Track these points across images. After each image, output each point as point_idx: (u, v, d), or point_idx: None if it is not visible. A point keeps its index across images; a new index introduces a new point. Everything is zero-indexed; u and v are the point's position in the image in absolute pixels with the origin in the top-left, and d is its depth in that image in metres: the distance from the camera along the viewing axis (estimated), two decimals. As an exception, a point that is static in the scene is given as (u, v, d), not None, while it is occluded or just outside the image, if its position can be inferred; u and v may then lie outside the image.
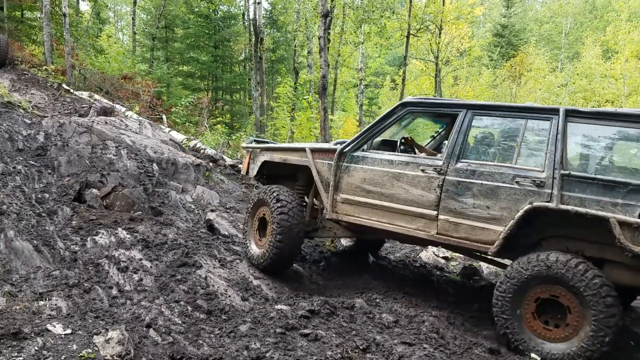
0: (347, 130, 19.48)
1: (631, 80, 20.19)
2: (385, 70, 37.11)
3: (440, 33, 16.52)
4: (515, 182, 4.42)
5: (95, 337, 3.67)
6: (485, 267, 6.91)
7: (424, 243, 5.75)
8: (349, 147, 5.33)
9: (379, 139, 5.50)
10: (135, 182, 7.24)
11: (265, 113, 20.22)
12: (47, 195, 6.31)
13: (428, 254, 7.21)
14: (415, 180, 4.89)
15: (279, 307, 4.82)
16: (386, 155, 5.14)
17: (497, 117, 4.86)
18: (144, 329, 4.06)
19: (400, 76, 27.28)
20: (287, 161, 5.80)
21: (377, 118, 5.37)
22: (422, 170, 4.85)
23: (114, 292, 4.64)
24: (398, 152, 5.38)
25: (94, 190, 6.64)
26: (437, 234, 4.78)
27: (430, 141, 6.31)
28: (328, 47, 10.25)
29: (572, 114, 4.42)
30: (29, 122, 8.34)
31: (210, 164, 10.23)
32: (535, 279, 4.23)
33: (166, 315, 4.40)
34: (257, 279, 5.49)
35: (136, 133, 9.38)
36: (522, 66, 25.27)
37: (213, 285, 5.01)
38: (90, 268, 4.93)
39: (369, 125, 5.34)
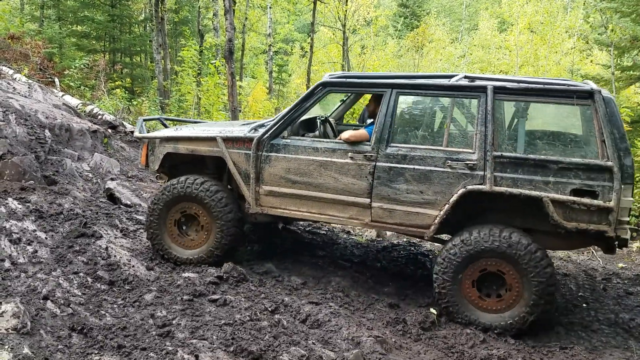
0: (256, 97, 19.24)
1: (523, 52, 21.62)
2: (295, 37, 36.82)
3: (347, 1, 16.63)
4: (447, 165, 4.38)
5: (-15, 312, 3.44)
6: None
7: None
8: (267, 135, 4.88)
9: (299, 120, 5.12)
10: (26, 150, 6.72)
11: (169, 78, 19.37)
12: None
13: (335, 218, 7.43)
14: (344, 168, 4.68)
15: (186, 274, 4.77)
16: (310, 142, 4.83)
17: (423, 97, 4.73)
18: (41, 301, 3.87)
19: (309, 43, 27.24)
20: (196, 152, 5.20)
21: (296, 100, 5.02)
22: (351, 158, 4.65)
23: (7, 264, 4.34)
24: (320, 133, 5.19)
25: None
26: (372, 221, 4.69)
27: (337, 107, 6.23)
28: (234, 10, 9.96)
29: (501, 91, 4.35)
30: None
31: (109, 130, 9.70)
32: (475, 255, 4.30)
33: (64, 287, 4.21)
34: (163, 247, 5.36)
35: (25, 97, 8.64)
36: (424, 37, 26.18)
37: (115, 256, 4.85)
38: (-24, 241, 4.56)
39: (288, 108, 4.98)
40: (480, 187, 4.25)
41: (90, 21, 18.80)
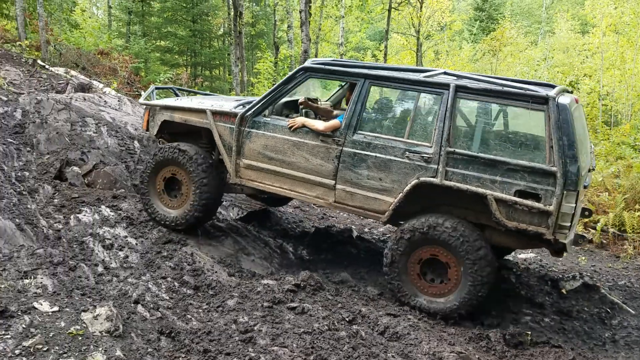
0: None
1: (608, 54, 20.38)
2: (366, 45, 36.85)
3: (421, 7, 16.42)
4: (406, 156, 4.57)
5: (83, 313, 3.68)
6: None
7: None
8: (250, 112, 5.20)
9: (281, 101, 5.42)
10: (116, 160, 7.15)
11: (246, 89, 20.02)
12: (27, 174, 6.21)
13: (411, 228, 7.31)
14: (315, 150, 4.94)
15: (265, 282, 4.87)
16: (287, 122, 5.09)
17: (393, 89, 4.92)
18: (132, 305, 4.08)
19: (381, 51, 27.14)
20: (188, 122, 5.59)
21: (278, 82, 5.30)
22: (322, 140, 4.90)
23: (100, 269, 4.63)
24: (301, 115, 5.32)
25: (75, 168, 6.55)
26: (335, 202, 4.95)
27: (336, 92, 6.29)
28: (309, 21, 10.13)
29: (462, 90, 4.47)
30: (5, 99, 8.13)
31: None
32: (419, 241, 4.55)
33: (153, 291, 4.42)
34: (242, 255, 5.52)
35: (116, 110, 9.21)
36: (502, 40, 25.32)
37: (199, 262, 5.03)
38: (74, 246, 4.90)
39: (270, 89, 5.29)
40: (432, 179, 4.45)
41: (173, 36, 19.79)
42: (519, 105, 4.34)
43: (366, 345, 3.81)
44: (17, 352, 3.15)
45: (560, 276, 5.89)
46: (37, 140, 6.96)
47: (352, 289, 5.01)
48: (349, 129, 4.81)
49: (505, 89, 4.41)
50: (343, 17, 18.90)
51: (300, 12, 10.15)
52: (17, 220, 4.97)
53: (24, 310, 3.61)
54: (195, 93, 7.20)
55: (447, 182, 4.41)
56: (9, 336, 3.31)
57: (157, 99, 6.43)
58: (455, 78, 4.80)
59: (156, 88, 6.36)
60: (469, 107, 4.62)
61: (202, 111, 5.46)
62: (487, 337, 4.23)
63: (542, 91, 4.28)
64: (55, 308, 3.74)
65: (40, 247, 4.75)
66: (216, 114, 5.37)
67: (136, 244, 5.15)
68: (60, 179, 6.36)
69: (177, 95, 6.58)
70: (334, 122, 4.92)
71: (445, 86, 4.51)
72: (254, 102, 5.27)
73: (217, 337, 3.78)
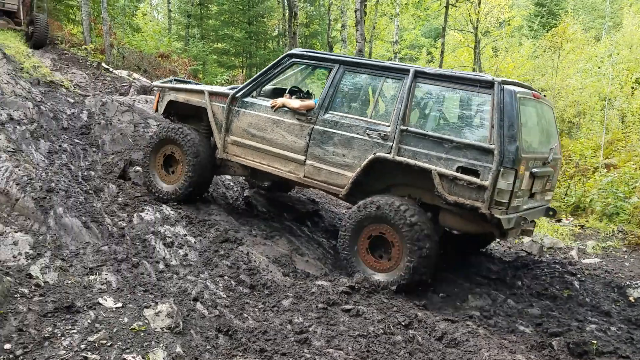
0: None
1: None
2: (421, 43, 36.28)
3: (479, 2, 15.99)
4: (367, 134, 4.96)
5: (145, 310, 3.79)
6: (528, 244, 6.80)
7: (295, 184, 6.18)
8: (240, 93, 5.73)
9: (270, 87, 5.92)
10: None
11: (300, 89, 20.13)
12: (92, 173, 6.49)
13: (468, 231, 7.13)
14: (291, 128, 5.39)
15: (319, 282, 4.87)
16: (270, 102, 5.56)
17: (363, 74, 5.28)
18: (191, 302, 4.17)
19: (437, 48, 26.64)
20: (189, 102, 6.13)
21: (266, 67, 5.82)
22: (297, 119, 5.35)
23: (161, 266, 4.77)
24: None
25: (138, 168, 6.79)
26: (304, 177, 5.36)
27: None
28: (364, 20, 10.07)
29: (420, 75, 4.88)
30: (72, 101, 8.54)
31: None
32: (367, 219, 4.88)
33: (211, 289, 4.50)
34: (296, 255, 5.54)
35: (175, 111, 9.48)
36: (564, 36, 24.27)
37: (255, 261, 5.09)
38: (137, 243, 5.07)
39: (259, 73, 5.82)
40: (386, 155, 4.81)
41: (229, 38, 20.18)
42: (469, 90, 4.70)
43: (423, 351, 3.74)
44: (82, 346, 3.28)
45: (628, 283, 5.60)
46: (102, 140, 7.26)
47: (407, 292, 4.93)
48: (321, 109, 5.26)
49: (457, 74, 4.81)
50: (398, 15, 18.69)
51: (355, 11, 10.10)
52: (83, 218, 5.19)
53: (89, 306, 3.76)
54: (190, 83, 7.61)
55: (398, 158, 4.76)
56: (75, 331, 3.45)
57: None
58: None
59: (175, 79, 6.94)
60: (425, 90, 4.96)
61: (201, 92, 6.04)
62: (550, 346, 4.05)
63: (490, 77, 4.60)
64: (119, 304, 3.87)
65: (105, 244, 4.95)
66: (212, 94, 5.94)
67: (195, 242, 5.27)
68: (124, 178, 6.61)
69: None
70: (308, 102, 5.41)
71: (406, 71, 4.93)
72: (245, 84, 5.83)
73: (273, 336, 3.81)
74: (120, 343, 3.37)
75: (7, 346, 3.19)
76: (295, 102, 5.41)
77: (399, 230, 4.69)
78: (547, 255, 6.58)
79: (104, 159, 6.95)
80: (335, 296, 4.52)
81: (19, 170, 5.44)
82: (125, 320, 3.66)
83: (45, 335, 3.35)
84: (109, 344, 3.34)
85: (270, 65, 5.77)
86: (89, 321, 3.58)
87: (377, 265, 4.93)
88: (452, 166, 4.54)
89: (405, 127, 4.77)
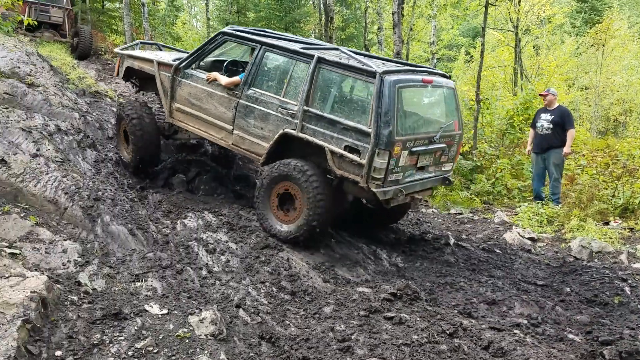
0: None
1: None
2: (459, 42, 35.76)
3: (519, 1, 15.61)
4: (279, 111, 5.57)
5: (190, 317, 3.85)
6: (577, 247, 6.57)
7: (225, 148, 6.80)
8: (182, 64, 6.35)
9: (211, 59, 6.53)
10: (217, 167, 7.47)
11: (337, 92, 20.13)
12: (137, 181, 6.65)
13: (512, 235, 6.95)
14: (221, 100, 6.02)
15: (360, 289, 4.83)
16: (206, 76, 6.14)
17: (280, 56, 5.80)
18: (234, 309, 4.21)
19: (476, 48, 26.18)
20: (142, 69, 6.89)
21: (203, 42, 6.48)
22: (227, 93, 5.96)
23: (204, 272, 4.83)
24: (223, 72, 6.26)
25: (180, 175, 6.92)
26: (232, 144, 6.04)
27: None
28: (401, 23, 9.99)
29: (322, 61, 5.36)
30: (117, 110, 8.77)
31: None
32: (276, 178, 5.52)
33: (253, 295, 4.54)
34: (335, 260, 5.52)
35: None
36: (608, 33, 23.44)
37: (295, 267, 5.10)
38: (181, 250, 5.16)
39: (197, 47, 6.44)
40: (292, 131, 5.44)
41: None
42: (358, 78, 5.26)
43: (468, 361, 3.65)
44: (130, 353, 3.36)
45: (686, 290, 5.33)
46: (145, 149, 7.41)
47: (450, 299, 4.84)
48: (245, 85, 5.84)
49: (350, 62, 5.27)
50: (435, 16, 18.48)
51: (393, 14, 10.03)
52: (129, 225, 5.33)
53: (136, 313, 3.84)
54: (179, 51, 8.18)
55: (300, 134, 5.39)
56: (122, 337, 3.53)
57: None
58: (347, 57, 5.57)
59: (141, 42, 7.80)
60: (326, 76, 5.41)
61: (151, 61, 6.71)
62: (601, 355, 3.89)
63: (376, 68, 5.06)
64: (165, 311, 3.95)
65: (150, 251, 5.06)
66: (160, 64, 6.59)
67: (236, 248, 5.32)
68: (167, 186, 6.75)
69: (160, 50, 7.92)
70: (235, 79, 5.97)
71: (311, 57, 5.42)
72: (186, 56, 6.45)
73: (315, 344, 3.80)
74: (166, 350, 3.43)
75: (58, 353, 3.29)
76: (224, 79, 6.00)
77: (300, 184, 5.34)
78: (596, 260, 6.34)
79: (147, 167, 7.10)
80: (377, 303, 4.48)
81: (67, 179, 5.63)
82: (171, 327, 3.72)
83: (94, 342, 3.44)
84: (155, 351, 3.40)
85: (206, 41, 6.42)
86: (136, 328, 3.66)
87: (285, 218, 5.56)
88: (340, 145, 5.18)
89: (307, 108, 5.35)
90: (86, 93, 9.32)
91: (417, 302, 4.63)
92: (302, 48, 5.65)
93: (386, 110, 4.98)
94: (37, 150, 6.01)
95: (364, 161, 5.02)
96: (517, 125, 11.65)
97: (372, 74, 5.05)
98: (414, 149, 5.33)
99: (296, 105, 5.43)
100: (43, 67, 8.66)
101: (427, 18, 19.83)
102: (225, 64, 6.47)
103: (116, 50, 7.54)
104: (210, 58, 6.50)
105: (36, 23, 12.35)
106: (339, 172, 5.24)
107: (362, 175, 5.07)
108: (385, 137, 4.97)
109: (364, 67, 5.16)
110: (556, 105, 8.82)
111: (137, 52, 7.25)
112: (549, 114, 8.65)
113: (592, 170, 9.36)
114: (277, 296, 4.61)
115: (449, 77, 6.19)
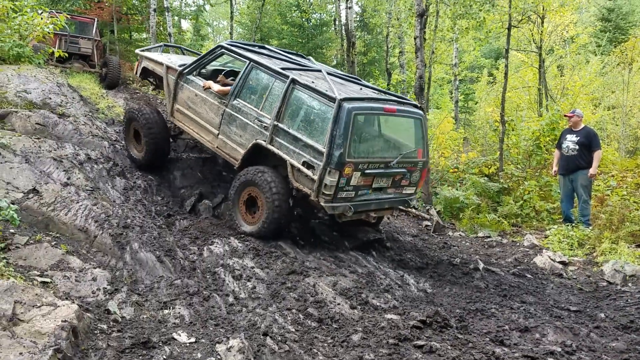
0: (442, 129, 18.98)
1: None
2: (481, 63, 35.65)
3: (542, 22, 15.53)
4: (256, 122, 6.15)
5: (217, 345, 3.83)
6: (610, 271, 6.38)
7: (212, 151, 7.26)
8: (185, 70, 7.01)
9: (211, 67, 7.34)
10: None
11: (359, 116, 20.18)
12: (165, 208, 6.73)
13: (543, 259, 6.79)
14: (212, 106, 6.64)
15: (389, 316, 4.76)
16: (202, 83, 6.78)
17: (263, 73, 6.31)
18: (261, 336, 4.17)
19: (498, 69, 26.04)
20: (155, 71, 7.67)
21: (203, 54, 7.22)
22: (217, 101, 6.57)
23: (231, 299, 4.83)
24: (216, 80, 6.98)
25: (207, 201, 6.99)
26: (217, 147, 6.66)
27: None
28: (423, 47, 10.02)
29: (295, 82, 5.93)
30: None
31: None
32: (243, 184, 6.13)
33: (280, 322, 4.50)
34: (362, 286, 5.46)
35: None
36: (634, 51, 23.10)
37: (322, 293, 5.05)
38: (207, 276, 5.17)
39: (199, 56, 7.17)
40: (263, 142, 6.04)
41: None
42: (322, 101, 5.71)
43: (502, 391, 3.54)
44: (160, 381, 3.35)
45: None
46: (173, 176, 7.54)
47: (482, 327, 4.72)
48: (232, 95, 6.43)
49: (316, 87, 5.79)
50: (457, 39, 18.52)
51: (415, 38, 10.07)
52: (157, 252, 5.37)
53: (164, 341, 3.85)
54: (198, 54, 8.69)
55: (269, 146, 5.99)
56: (152, 365, 3.53)
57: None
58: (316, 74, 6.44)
59: (165, 45, 8.60)
60: (297, 95, 5.92)
61: (161, 64, 7.41)
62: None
63: (337, 94, 5.55)
64: (192, 339, 3.94)
65: (178, 277, 5.08)
66: (168, 67, 7.27)
67: (262, 274, 5.31)
68: (194, 212, 6.82)
69: (183, 54, 8.84)
70: (225, 88, 6.57)
71: (287, 77, 5.98)
72: (188, 64, 7.07)
73: (344, 374, 3.73)
74: (194, 379, 3.41)
75: (89, 381, 3.30)
76: (216, 87, 6.64)
77: (261, 189, 5.91)
78: (630, 284, 6.14)
79: (175, 194, 7.20)
80: (406, 331, 4.40)
81: (97, 207, 5.73)
82: (199, 355, 3.71)
83: (124, 371, 3.45)
84: (184, 380, 3.38)
85: (206, 52, 7.10)
86: (164, 357, 3.65)
87: (250, 219, 6.15)
88: (300, 160, 5.73)
89: (277, 123, 5.93)
90: (115, 122, 9.53)
91: (448, 329, 4.53)
92: (282, 68, 6.18)
93: (340, 134, 5.48)
94: (68, 179, 6.15)
95: (315, 177, 5.56)
96: (544, 146, 11.49)
97: (332, 99, 5.56)
98: (367, 171, 5.80)
99: (269, 119, 5.99)
100: (73, 98, 8.91)
101: (448, 41, 19.89)
102: (222, 73, 7.33)
103: (137, 50, 8.36)
104: (210, 67, 7.32)
105: (66, 54, 12.75)
106: (296, 185, 5.82)
107: (314, 190, 5.61)
108: (336, 157, 5.48)
109: (327, 92, 5.67)
110: (582, 126, 8.70)
111: (153, 55, 8.01)
112: (575, 135, 8.52)
113: (622, 191, 9.14)
114: (304, 323, 4.57)
115: (420, 108, 6.69)
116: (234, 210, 6.28)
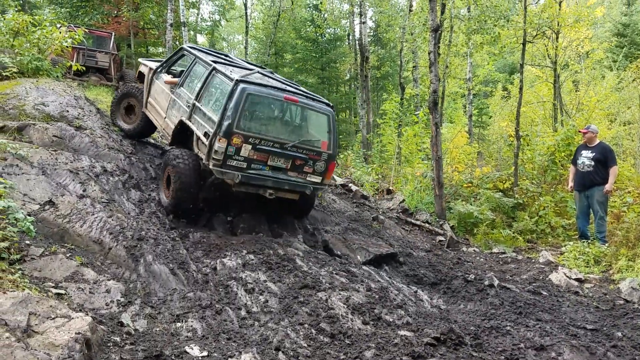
0: (456, 143, 18.88)
1: None
2: (495, 78, 35.57)
3: (557, 37, 15.49)
4: (185, 104, 7.12)
5: None
6: (627, 289, 6.27)
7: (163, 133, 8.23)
8: (158, 69, 8.35)
9: (178, 68, 8.39)
10: (255, 206, 7.53)
11: (372, 130, 20.26)
12: (179, 220, 6.76)
13: (559, 276, 6.69)
14: (165, 95, 7.80)
15: (402, 332, 4.70)
16: (164, 77, 7.99)
17: (200, 66, 7.37)
18: (273, 351, 4.15)
19: (512, 83, 25.95)
20: (144, 72, 8.85)
21: (170, 55, 8.66)
22: (169, 90, 7.70)
23: (243, 313, 4.81)
24: (177, 75, 8.02)
25: (221, 215, 7.00)
26: (164, 129, 7.76)
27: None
28: (437, 61, 10.03)
29: (215, 70, 6.92)
30: (160, 151, 9.04)
31: (323, 184, 10.35)
32: (164, 163, 6.92)
33: (292, 337, 4.47)
34: (375, 301, 5.42)
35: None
36: (650, 66, 22.86)
37: (334, 308, 5.02)
38: (220, 289, 5.17)
39: (167, 57, 8.58)
40: (184, 119, 6.99)
41: (303, 84, 20.78)
42: (225, 81, 6.58)
43: (518, 411, 3.47)
44: (172, 395, 3.34)
45: None
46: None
47: (497, 344, 4.65)
48: (178, 85, 7.53)
49: (227, 72, 6.65)
50: (472, 54, 18.51)
51: (429, 53, 10.09)
52: (170, 265, 5.39)
53: (176, 355, 3.84)
54: None
55: (186, 122, 6.91)
56: (165, 378, 3.52)
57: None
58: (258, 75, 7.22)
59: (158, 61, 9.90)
60: (214, 80, 6.86)
61: (146, 66, 8.76)
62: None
63: (237, 76, 6.44)
64: (205, 353, 3.93)
65: (190, 290, 5.08)
66: (150, 69, 8.52)
67: (274, 288, 5.30)
68: (209, 225, 6.84)
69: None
70: (174, 79, 7.68)
71: (210, 65, 6.98)
72: (160, 63, 8.43)
73: (357, 390, 3.69)
74: (206, 393, 3.39)
75: (102, 394, 3.30)
76: (167, 77, 7.88)
77: (173, 167, 6.57)
78: (649, 303, 6.01)
79: (188, 206, 7.21)
80: (420, 348, 4.34)
81: (112, 220, 5.77)
82: (211, 369, 3.69)
83: (136, 384, 3.44)
84: (195, 395, 3.37)
85: (173, 53, 8.44)
86: (177, 370, 3.64)
87: (167, 194, 6.84)
88: (202, 131, 6.50)
89: (195, 102, 6.87)
90: (130, 134, 9.63)
91: (462, 347, 4.47)
92: (212, 61, 7.12)
93: (231, 107, 6.22)
94: (84, 191, 6.21)
95: (206, 142, 6.30)
96: (559, 161, 11.40)
97: (231, 79, 6.45)
98: (259, 147, 6.42)
99: (192, 99, 6.94)
100: (90, 111, 9.04)
101: (462, 55, 19.89)
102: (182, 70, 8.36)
103: (139, 59, 9.77)
104: (179, 67, 8.36)
105: (84, 68, 12.99)
106: (196, 151, 6.61)
107: (205, 154, 6.32)
108: (225, 126, 6.19)
109: (231, 74, 6.57)
110: (597, 141, 8.62)
111: (146, 61, 9.16)
112: (590, 151, 8.45)
113: (638, 208, 9.01)
114: (316, 338, 4.53)
115: (332, 107, 7.36)
116: (160, 187, 7.11)
